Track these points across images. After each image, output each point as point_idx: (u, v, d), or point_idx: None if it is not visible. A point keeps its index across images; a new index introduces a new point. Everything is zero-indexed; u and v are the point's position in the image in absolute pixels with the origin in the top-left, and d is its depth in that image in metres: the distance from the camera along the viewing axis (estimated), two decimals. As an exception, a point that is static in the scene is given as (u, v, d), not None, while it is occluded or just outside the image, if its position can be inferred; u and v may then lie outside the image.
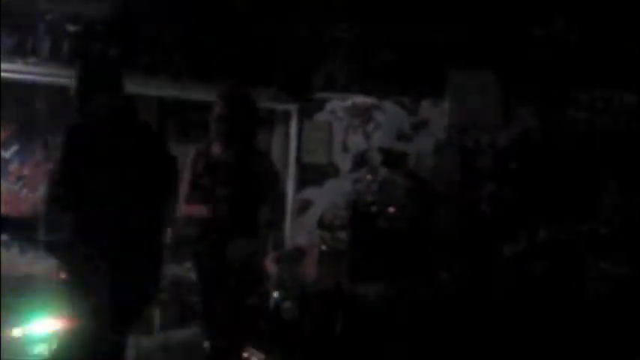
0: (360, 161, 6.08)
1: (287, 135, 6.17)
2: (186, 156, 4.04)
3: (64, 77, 3.80)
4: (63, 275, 3.27)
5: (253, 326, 4.35)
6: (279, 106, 6.04)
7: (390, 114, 6.07)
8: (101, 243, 3.05)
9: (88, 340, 3.06)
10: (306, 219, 6.08)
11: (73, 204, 3.03)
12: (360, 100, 6.10)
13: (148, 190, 3.20)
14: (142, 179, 3.17)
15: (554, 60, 5.51)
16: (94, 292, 3.04)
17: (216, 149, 3.85)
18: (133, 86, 5.06)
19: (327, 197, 6.08)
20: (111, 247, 3.06)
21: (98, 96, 3.16)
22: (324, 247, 5.74)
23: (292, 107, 6.12)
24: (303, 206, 6.11)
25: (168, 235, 5.58)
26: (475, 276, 5.25)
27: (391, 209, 5.72)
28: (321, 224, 6.01)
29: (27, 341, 4.02)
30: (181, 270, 4.92)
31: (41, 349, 3.99)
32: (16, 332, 4.01)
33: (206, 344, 3.92)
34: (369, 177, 5.99)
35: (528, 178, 5.56)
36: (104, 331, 3.09)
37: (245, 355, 4.50)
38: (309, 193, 6.15)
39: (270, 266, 4.03)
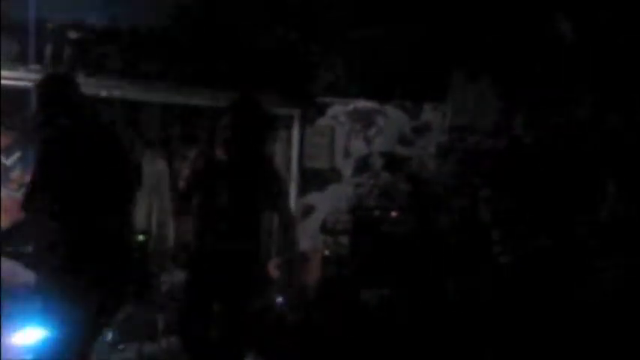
0: (362, 166, 6.08)
1: (289, 140, 6.17)
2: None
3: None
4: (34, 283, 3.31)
5: (256, 331, 4.33)
6: (282, 112, 6.04)
7: (391, 118, 6.07)
8: (65, 250, 3.11)
9: (61, 346, 3.11)
10: (309, 224, 6.07)
11: (40, 213, 3.11)
12: (362, 104, 6.10)
13: (112, 196, 3.26)
14: (106, 187, 3.23)
15: (553, 63, 5.51)
16: (61, 299, 3.09)
17: (219, 152, 3.82)
18: (136, 93, 5.13)
19: (330, 202, 6.08)
20: (75, 252, 3.11)
21: (58, 119, 3.24)
22: (326, 252, 5.74)
23: (294, 112, 6.12)
24: (306, 211, 6.10)
25: (170, 241, 5.60)
26: (475, 281, 5.24)
27: (393, 213, 5.72)
28: (324, 229, 6.01)
29: (27, 348, 4.01)
30: (183, 276, 4.91)
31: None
32: (16, 339, 4.00)
33: None
34: (371, 182, 5.99)
35: (524, 182, 5.55)
36: (75, 337, 3.14)
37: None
38: (312, 198, 6.15)
39: (274, 271, 4.01)
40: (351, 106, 6.11)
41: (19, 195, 4.80)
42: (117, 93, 5.01)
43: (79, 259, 3.14)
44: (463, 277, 5.29)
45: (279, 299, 5.22)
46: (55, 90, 3.31)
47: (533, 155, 5.59)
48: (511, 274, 5.24)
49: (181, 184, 3.80)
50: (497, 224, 5.56)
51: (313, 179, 6.16)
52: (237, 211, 3.78)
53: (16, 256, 3.25)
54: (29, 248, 3.22)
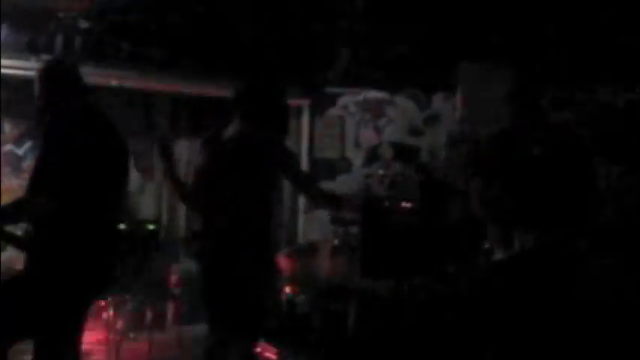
0: (373, 156, 6.07)
1: (299, 130, 6.17)
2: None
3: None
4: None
5: (266, 321, 4.33)
6: (292, 102, 6.03)
7: (401, 108, 6.06)
8: (58, 234, 3.13)
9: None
10: (319, 214, 6.07)
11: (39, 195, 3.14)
12: (372, 94, 6.09)
13: (109, 182, 3.29)
14: (104, 173, 3.26)
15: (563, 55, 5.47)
16: (47, 284, 3.12)
17: (229, 130, 3.77)
18: (146, 83, 5.15)
19: (340, 192, 6.07)
20: (69, 237, 3.14)
21: (61, 102, 3.26)
22: (336, 242, 5.74)
23: (304, 102, 6.12)
24: (316, 201, 6.10)
25: (182, 230, 5.62)
26: (477, 274, 5.21)
27: (404, 204, 5.70)
28: (334, 219, 6.00)
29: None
30: (194, 265, 4.93)
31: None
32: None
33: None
34: (381, 172, 5.98)
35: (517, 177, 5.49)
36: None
37: (257, 349, 4.51)
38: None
39: (284, 261, 4.01)
40: (361, 97, 6.10)
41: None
42: (128, 82, 5.04)
43: (69, 243, 3.16)
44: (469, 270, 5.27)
45: (289, 289, 5.23)
46: (56, 76, 3.33)
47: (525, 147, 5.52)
48: (503, 271, 5.19)
49: (192, 171, 3.77)
50: (492, 218, 5.50)
51: (323, 169, 6.16)
52: (249, 196, 3.75)
53: (8, 239, 3.27)
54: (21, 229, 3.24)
